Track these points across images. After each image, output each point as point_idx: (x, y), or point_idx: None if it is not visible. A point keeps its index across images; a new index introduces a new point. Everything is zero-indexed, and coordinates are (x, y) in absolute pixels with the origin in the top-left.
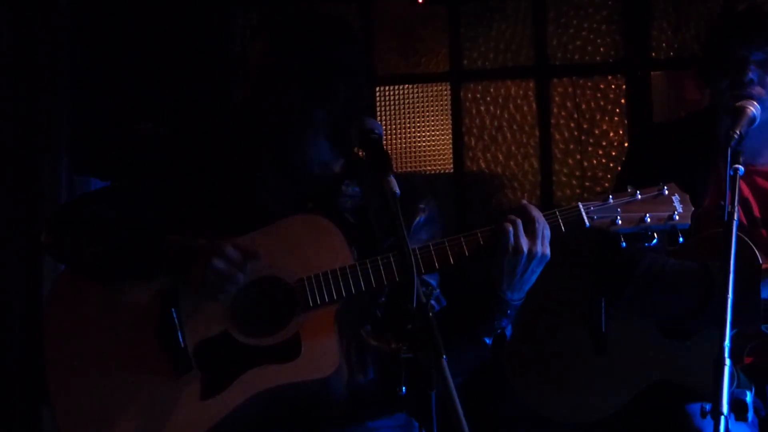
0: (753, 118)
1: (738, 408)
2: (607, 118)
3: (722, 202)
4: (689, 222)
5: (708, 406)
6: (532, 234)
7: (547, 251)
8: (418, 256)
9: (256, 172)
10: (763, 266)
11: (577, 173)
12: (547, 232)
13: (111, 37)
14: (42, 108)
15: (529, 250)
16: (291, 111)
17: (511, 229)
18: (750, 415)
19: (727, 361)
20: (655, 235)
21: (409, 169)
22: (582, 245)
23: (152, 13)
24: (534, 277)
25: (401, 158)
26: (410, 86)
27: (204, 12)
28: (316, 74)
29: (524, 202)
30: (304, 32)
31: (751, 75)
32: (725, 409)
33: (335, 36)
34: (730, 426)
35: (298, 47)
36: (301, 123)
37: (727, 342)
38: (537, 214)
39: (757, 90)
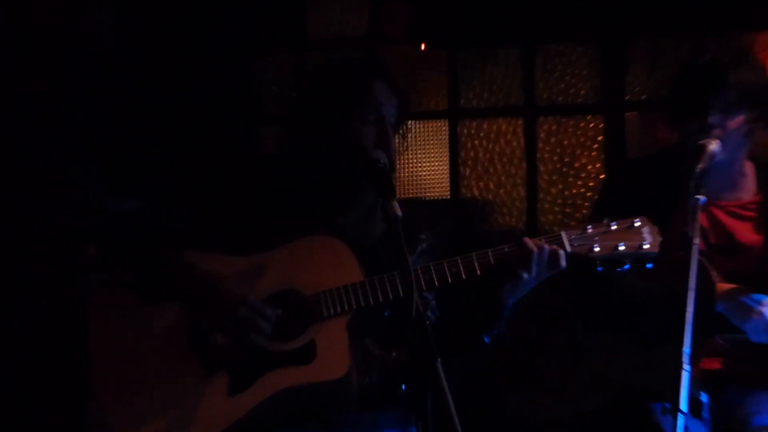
0: (713, 154)
1: (695, 407)
2: (585, 153)
3: (685, 230)
4: (657, 250)
5: (668, 405)
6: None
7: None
8: (420, 276)
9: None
10: (717, 286)
11: (559, 201)
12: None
13: (150, 78)
14: (85, 136)
15: (537, 274)
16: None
17: (534, 253)
18: (705, 413)
19: (687, 366)
20: (627, 261)
21: (410, 196)
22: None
23: (188, 61)
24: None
25: (404, 186)
26: (413, 122)
27: (232, 60)
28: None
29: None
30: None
31: (712, 120)
32: (684, 407)
33: None
34: (687, 422)
35: (407, 100)
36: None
37: (687, 349)
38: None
39: (717, 132)
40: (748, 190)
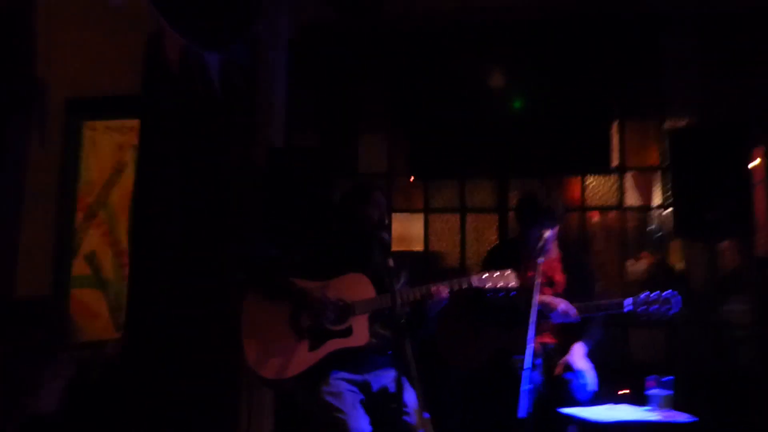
0: (547, 239)
1: (534, 365)
2: (488, 232)
3: (533, 274)
4: (517, 287)
5: (520, 364)
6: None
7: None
8: (403, 296)
9: (365, 245)
10: (539, 297)
11: (477, 256)
12: (445, 298)
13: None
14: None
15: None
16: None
17: (435, 293)
18: (538, 369)
19: (531, 341)
20: (502, 291)
21: (401, 250)
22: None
23: (313, 190)
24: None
25: (399, 244)
26: (407, 214)
27: (326, 186)
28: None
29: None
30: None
31: (544, 230)
32: (528, 365)
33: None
34: (530, 375)
35: (389, 200)
36: None
37: (531, 333)
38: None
39: (549, 233)
40: (555, 253)
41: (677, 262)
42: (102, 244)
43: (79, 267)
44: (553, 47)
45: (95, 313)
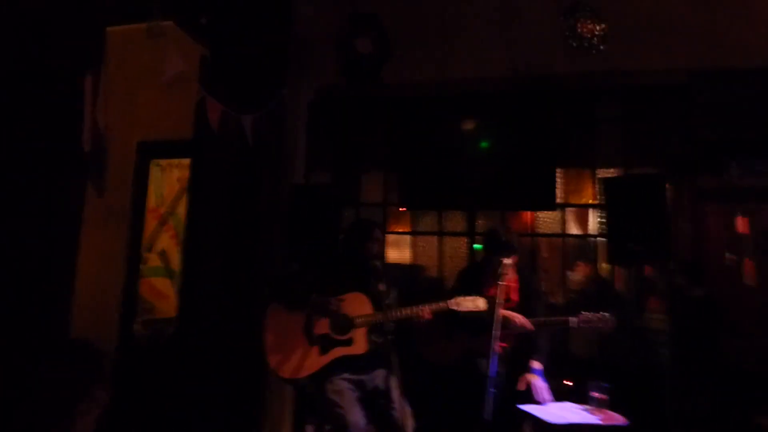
0: (506, 265)
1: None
2: (460, 251)
3: (494, 294)
4: (485, 309)
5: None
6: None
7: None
8: (392, 314)
9: (363, 272)
10: (501, 311)
11: (453, 271)
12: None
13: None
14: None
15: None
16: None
17: (421, 314)
18: (501, 375)
19: (494, 346)
20: (473, 312)
21: (395, 261)
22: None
23: (329, 231)
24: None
25: (393, 257)
26: (397, 236)
27: (336, 219)
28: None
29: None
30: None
31: (503, 258)
32: (492, 373)
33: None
34: (494, 380)
35: (385, 232)
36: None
37: (492, 342)
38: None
39: (507, 261)
40: (513, 275)
41: (605, 273)
42: (171, 243)
43: (153, 260)
44: (513, 112)
45: (165, 295)
